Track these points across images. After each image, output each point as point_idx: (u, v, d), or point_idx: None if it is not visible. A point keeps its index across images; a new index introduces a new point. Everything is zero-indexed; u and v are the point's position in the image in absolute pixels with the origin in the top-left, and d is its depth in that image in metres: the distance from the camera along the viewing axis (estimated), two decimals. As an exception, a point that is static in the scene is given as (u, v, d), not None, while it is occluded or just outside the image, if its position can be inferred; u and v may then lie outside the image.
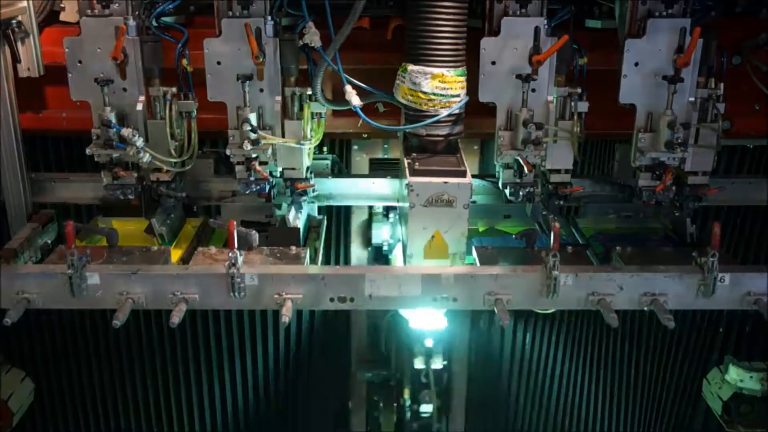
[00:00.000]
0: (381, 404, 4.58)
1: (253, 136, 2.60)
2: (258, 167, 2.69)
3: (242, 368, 4.60)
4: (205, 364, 4.59)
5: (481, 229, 3.13)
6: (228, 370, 4.62)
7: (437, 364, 3.87)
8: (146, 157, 2.63)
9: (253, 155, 2.66)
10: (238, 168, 2.73)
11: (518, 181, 2.80)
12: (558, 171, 2.78)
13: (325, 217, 3.26)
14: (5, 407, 3.28)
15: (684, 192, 2.79)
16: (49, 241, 3.00)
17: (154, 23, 2.65)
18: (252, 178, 2.73)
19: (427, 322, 3.67)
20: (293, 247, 2.72)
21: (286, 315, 2.39)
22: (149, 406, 4.70)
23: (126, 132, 2.56)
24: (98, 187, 2.88)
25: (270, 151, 2.69)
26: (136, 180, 2.75)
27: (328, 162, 3.24)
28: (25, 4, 2.71)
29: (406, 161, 2.64)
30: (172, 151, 2.69)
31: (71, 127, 3.07)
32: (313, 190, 2.93)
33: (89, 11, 2.54)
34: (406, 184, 2.51)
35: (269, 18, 2.54)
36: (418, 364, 3.89)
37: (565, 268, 2.44)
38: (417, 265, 2.57)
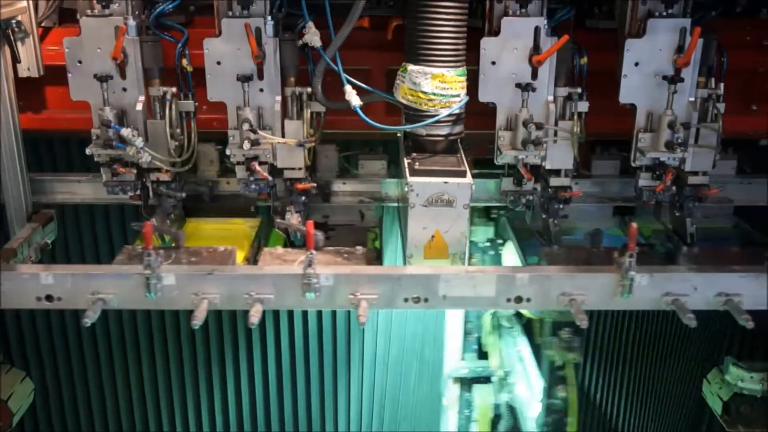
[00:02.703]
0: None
1: (253, 136, 2.60)
2: (258, 167, 2.69)
3: (247, 368, 4.60)
4: (207, 364, 4.59)
5: None
6: (231, 371, 4.62)
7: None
8: (146, 157, 2.63)
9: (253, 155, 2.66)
10: (238, 168, 2.73)
11: (518, 189, 2.80)
12: (558, 173, 2.78)
13: (384, 216, 3.25)
14: (5, 407, 3.27)
15: (684, 192, 2.79)
16: (49, 241, 3.00)
17: (154, 23, 2.65)
18: (252, 178, 2.73)
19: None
20: (359, 247, 2.73)
21: (363, 315, 2.39)
22: (149, 406, 4.70)
23: (126, 132, 2.57)
24: (98, 187, 2.88)
25: (270, 151, 2.69)
26: (135, 177, 2.74)
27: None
28: (25, 4, 2.71)
29: (406, 161, 2.64)
30: (172, 151, 2.69)
31: (71, 127, 3.07)
32: (314, 190, 2.93)
33: (89, 11, 2.54)
34: (406, 184, 2.51)
35: (269, 18, 2.54)
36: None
37: (638, 269, 2.43)
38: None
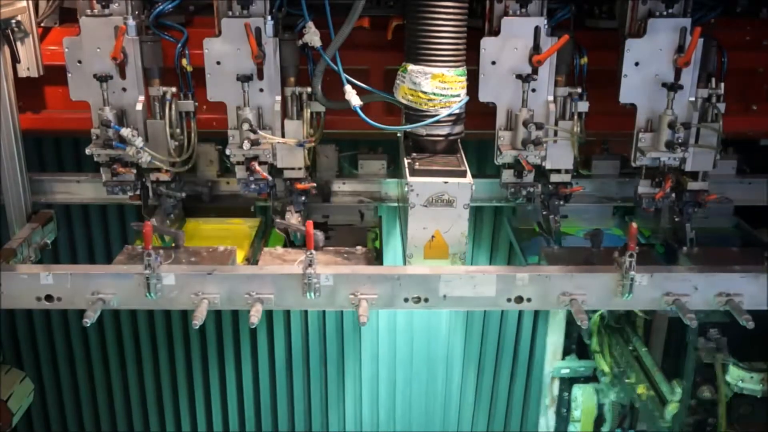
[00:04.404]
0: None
1: (252, 136, 2.60)
2: (257, 167, 2.69)
3: (250, 368, 4.60)
4: (205, 364, 4.59)
5: (537, 230, 3.12)
6: (230, 371, 4.62)
7: None
8: (146, 157, 2.63)
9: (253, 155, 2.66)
10: (237, 168, 2.73)
11: (518, 181, 2.80)
12: (558, 171, 2.78)
13: (383, 216, 3.24)
14: (5, 407, 3.28)
15: (683, 197, 2.79)
16: (49, 241, 2.99)
17: (154, 23, 2.64)
18: (251, 178, 2.73)
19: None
20: (359, 247, 2.74)
21: (364, 315, 2.39)
22: (148, 406, 4.70)
23: (125, 132, 2.56)
24: (98, 187, 2.88)
25: (270, 151, 2.68)
26: (135, 177, 2.74)
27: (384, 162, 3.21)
28: (24, 4, 2.71)
29: (406, 161, 2.64)
30: (172, 151, 2.69)
31: (71, 127, 3.07)
32: (314, 190, 2.92)
33: (89, 11, 2.54)
34: (406, 184, 2.51)
35: (269, 18, 2.54)
36: None
37: (638, 269, 2.43)
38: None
